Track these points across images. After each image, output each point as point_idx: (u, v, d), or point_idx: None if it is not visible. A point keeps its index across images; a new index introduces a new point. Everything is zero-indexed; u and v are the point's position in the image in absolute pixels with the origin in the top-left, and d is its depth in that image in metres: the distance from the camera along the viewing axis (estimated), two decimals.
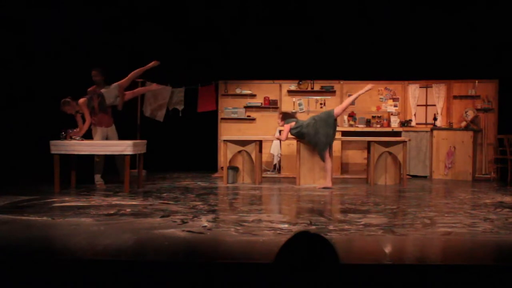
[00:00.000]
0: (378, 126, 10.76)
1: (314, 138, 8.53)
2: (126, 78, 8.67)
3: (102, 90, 8.45)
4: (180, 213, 5.81)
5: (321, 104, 11.01)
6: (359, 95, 8.82)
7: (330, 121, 8.52)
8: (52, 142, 7.66)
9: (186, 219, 5.43)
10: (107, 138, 8.40)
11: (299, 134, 8.68)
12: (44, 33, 9.69)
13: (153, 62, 8.79)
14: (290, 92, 11.13)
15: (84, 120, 8.20)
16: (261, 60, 10.65)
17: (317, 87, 11.09)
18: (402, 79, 10.89)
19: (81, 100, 8.16)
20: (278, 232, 4.85)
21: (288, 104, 11.10)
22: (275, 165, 10.60)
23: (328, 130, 8.50)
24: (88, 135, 8.30)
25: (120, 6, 10.18)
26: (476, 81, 10.45)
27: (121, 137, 8.61)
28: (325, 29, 10.34)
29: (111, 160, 8.52)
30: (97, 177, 8.35)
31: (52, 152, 7.65)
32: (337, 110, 8.67)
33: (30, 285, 3.51)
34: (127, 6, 10.24)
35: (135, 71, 8.78)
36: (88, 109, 8.17)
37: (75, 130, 8.07)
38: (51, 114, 9.50)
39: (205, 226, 5.09)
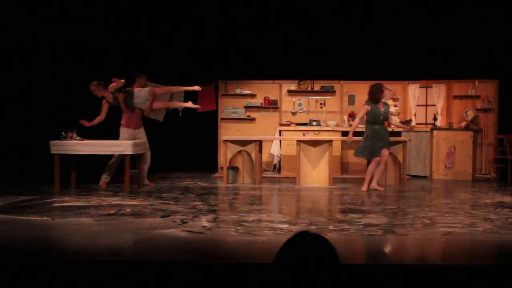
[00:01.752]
0: None
1: (372, 137, 8.06)
2: (163, 88, 8.74)
3: (135, 90, 8.39)
4: (180, 213, 5.81)
5: (321, 104, 11.01)
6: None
7: (381, 144, 8.05)
8: (52, 142, 7.66)
9: (186, 219, 5.43)
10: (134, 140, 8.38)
11: (372, 119, 8.11)
12: (44, 33, 9.69)
13: (196, 87, 8.79)
14: (290, 92, 11.13)
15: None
16: (261, 60, 10.65)
17: (317, 87, 11.09)
18: (402, 79, 10.88)
19: (111, 85, 8.16)
20: (278, 232, 4.85)
21: (288, 104, 11.10)
22: (275, 165, 10.60)
23: (378, 144, 7.99)
24: (87, 135, 8.26)
25: (119, 6, 10.17)
26: (476, 81, 10.45)
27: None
28: (325, 29, 10.33)
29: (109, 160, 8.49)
30: (105, 175, 8.31)
31: (52, 152, 7.65)
32: (385, 153, 8.09)
33: (30, 285, 3.51)
34: (126, 5, 10.24)
35: (175, 87, 8.93)
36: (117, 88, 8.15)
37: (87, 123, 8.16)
38: (51, 114, 9.51)
39: (205, 226, 5.09)
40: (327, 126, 10.66)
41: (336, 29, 10.28)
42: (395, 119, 9.76)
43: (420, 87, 10.86)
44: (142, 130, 8.56)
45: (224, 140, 9.08)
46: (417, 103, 10.87)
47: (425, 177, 10.32)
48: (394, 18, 10.13)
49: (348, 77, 10.94)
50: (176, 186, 8.48)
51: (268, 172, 10.43)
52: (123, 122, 8.38)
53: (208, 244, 4.51)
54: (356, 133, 10.46)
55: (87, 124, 8.20)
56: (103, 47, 10.15)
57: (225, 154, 8.95)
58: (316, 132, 10.34)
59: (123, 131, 8.36)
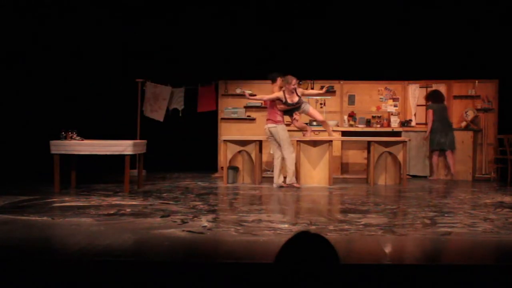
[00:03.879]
0: (378, 126, 10.76)
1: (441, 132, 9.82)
2: (315, 112, 9.08)
3: (304, 102, 8.75)
4: (180, 213, 5.81)
5: (321, 104, 11.00)
6: None
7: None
8: (52, 142, 7.65)
9: (186, 219, 5.43)
10: None
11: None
12: (44, 34, 9.69)
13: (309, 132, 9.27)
14: None
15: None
16: (261, 60, 10.64)
17: (317, 87, 11.07)
18: (402, 79, 10.89)
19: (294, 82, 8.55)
20: (278, 232, 4.84)
21: None
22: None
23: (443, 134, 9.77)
24: (88, 135, 8.26)
25: (118, 4, 10.17)
26: (476, 81, 10.45)
27: (121, 137, 8.60)
28: (325, 29, 10.33)
29: (110, 160, 8.49)
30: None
31: (52, 152, 7.64)
32: None
33: (30, 285, 3.51)
34: (125, 4, 10.23)
35: (323, 121, 9.37)
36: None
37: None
38: (51, 114, 9.50)
39: (205, 226, 5.09)
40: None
41: (336, 29, 10.28)
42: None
43: (420, 87, 10.86)
44: None
45: (224, 140, 9.08)
46: (417, 103, 10.87)
47: (425, 177, 10.32)
48: (394, 18, 10.14)
49: (348, 77, 10.94)
50: (176, 186, 8.48)
51: (268, 172, 10.42)
52: (279, 119, 8.59)
53: (208, 244, 4.50)
54: (356, 133, 10.46)
55: (248, 95, 8.86)
56: (101, 45, 10.15)
57: (225, 154, 8.95)
58: (316, 132, 10.33)
59: (283, 128, 8.60)
